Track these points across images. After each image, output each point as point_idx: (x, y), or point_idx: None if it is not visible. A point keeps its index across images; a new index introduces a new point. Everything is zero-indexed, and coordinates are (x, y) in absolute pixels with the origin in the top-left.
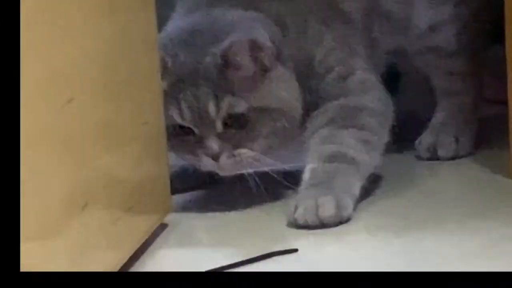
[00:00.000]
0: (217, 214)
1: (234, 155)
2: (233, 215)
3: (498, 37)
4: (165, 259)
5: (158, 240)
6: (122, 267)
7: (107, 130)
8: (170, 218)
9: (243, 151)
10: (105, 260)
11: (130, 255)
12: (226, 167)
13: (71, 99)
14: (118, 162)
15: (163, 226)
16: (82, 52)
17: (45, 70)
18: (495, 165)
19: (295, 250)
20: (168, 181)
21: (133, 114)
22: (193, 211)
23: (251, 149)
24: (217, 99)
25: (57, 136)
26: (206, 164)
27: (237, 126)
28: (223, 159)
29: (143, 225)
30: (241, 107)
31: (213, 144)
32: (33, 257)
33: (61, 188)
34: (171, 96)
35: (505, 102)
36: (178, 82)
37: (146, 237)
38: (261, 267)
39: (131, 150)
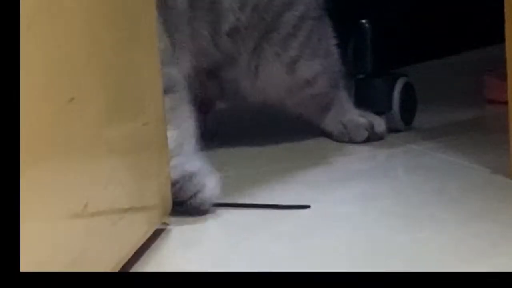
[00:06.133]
0: None
1: None
2: None
3: (498, 37)
4: (165, 259)
5: (158, 240)
6: (122, 267)
7: (107, 130)
8: (170, 218)
9: None
10: (105, 260)
11: (130, 255)
12: None
13: (71, 99)
14: (118, 162)
15: (163, 226)
16: (82, 52)
17: (45, 70)
18: (495, 165)
19: (308, 206)
20: (169, 181)
21: (133, 114)
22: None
23: None
24: None
25: (57, 136)
26: None
27: None
28: None
29: (143, 225)
30: None
31: None
32: (33, 257)
33: (61, 188)
34: None
35: (505, 102)
36: None
37: (147, 237)
38: (261, 268)
39: (131, 150)
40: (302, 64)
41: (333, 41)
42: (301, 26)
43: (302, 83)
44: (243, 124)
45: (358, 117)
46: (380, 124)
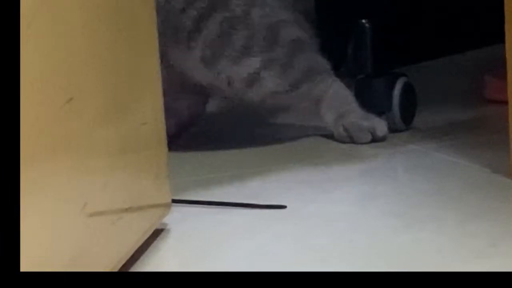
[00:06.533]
0: None
1: None
2: None
3: (498, 37)
4: (164, 259)
5: (158, 240)
6: (122, 267)
7: (106, 130)
8: (170, 218)
9: None
10: (104, 260)
11: (130, 255)
12: None
13: (71, 99)
14: (117, 162)
15: (162, 226)
16: (82, 52)
17: (45, 70)
18: (495, 165)
19: (284, 207)
20: (168, 181)
21: (133, 114)
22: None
23: None
24: None
25: (57, 136)
26: None
27: None
28: None
29: (143, 225)
30: None
31: None
32: (33, 257)
33: (60, 188)
34: None
35: (505, 102)
36: None
37: (146, 237)
38: (261, 267)
39: (130, 150)
40: (240, 61)
41: (288, 30)
42: (203, 24)
43: (249, 79)
44: (243, 124)
45: (360, 121)
46: (382, 127)
